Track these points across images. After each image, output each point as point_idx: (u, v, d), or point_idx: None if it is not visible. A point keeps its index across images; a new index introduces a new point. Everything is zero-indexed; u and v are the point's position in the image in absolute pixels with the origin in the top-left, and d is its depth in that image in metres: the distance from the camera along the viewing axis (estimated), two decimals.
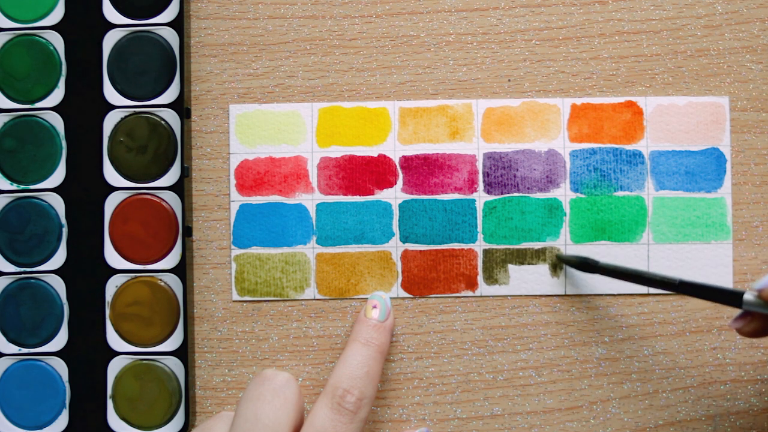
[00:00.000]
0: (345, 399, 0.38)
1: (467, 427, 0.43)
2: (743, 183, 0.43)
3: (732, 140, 0.43)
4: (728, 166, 0.43)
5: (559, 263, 0.43)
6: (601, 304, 0.43)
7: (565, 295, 0.43)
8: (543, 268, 0.43)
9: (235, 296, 0.44)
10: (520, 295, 0.43)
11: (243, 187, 0.44)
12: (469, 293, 0.43)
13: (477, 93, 0.44)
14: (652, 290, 0.43)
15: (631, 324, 0.43)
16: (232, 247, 0.44)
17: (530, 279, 0.43)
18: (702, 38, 0.44)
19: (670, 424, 0.43)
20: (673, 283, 0.38)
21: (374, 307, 0.42)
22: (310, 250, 0.44)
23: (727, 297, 0.36)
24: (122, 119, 0.44)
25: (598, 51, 0.44)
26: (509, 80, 0.44)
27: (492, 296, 0.43)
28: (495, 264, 0.43)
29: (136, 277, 0.43)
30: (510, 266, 0.43)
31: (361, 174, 0.44)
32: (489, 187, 0.44)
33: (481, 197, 0.44)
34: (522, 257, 0.43)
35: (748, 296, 0.35)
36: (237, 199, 0.44)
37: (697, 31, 0.44)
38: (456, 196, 0.44)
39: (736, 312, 0.37)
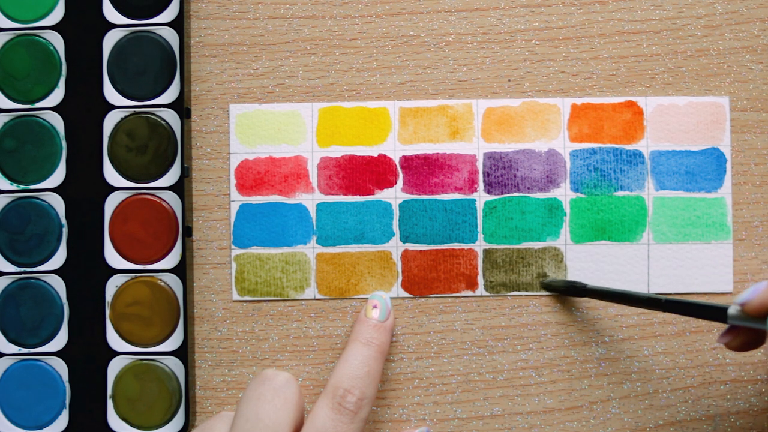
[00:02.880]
0: (346, 399, 0.38)
1: (467, 427, 0.43)
2: (743, 183, 0.43)
3: (732, 140, 0.43)
4: (728, 166, 0.43)
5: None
6: (601, 304, 0.43)
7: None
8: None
9: (235, 296, 0.44)
10: (520, 295, 0.43)
11: (243, 187, 0.44)
12: (469, 293, 0.43)
13: (477, 93, 0.44)
14: (652, 291, 0.43)
15: (631, 324, 0.43)
16: (232, 247, 0.44)
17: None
18: (702, 38, 0.44)
19: (670, 424, 0.43)
20: (660, 302, 0.38)
21: (374, 307, 0.42)
22: (310, 250, 0.44)
23: (713, 312, 0.36)
24: (122, 119, 0.43)
25: (598, 51, 0.44)
26: (509, 80, 0.44)
27: (492, 296, 0.43)
28: (495, 264, 0.43)
29: (136, 277, 0.43)
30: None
31: (361, 174, 0.44)
32: (489, 187, 0.44)
33: (481, 197, 0.44)
34: (522, 257, 0.43)
35: (732, 311, 0.35)
36: (237, 199, 0.44)
37: (697, 31, 0.44)
38: (456, 196, 0.44)
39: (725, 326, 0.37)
